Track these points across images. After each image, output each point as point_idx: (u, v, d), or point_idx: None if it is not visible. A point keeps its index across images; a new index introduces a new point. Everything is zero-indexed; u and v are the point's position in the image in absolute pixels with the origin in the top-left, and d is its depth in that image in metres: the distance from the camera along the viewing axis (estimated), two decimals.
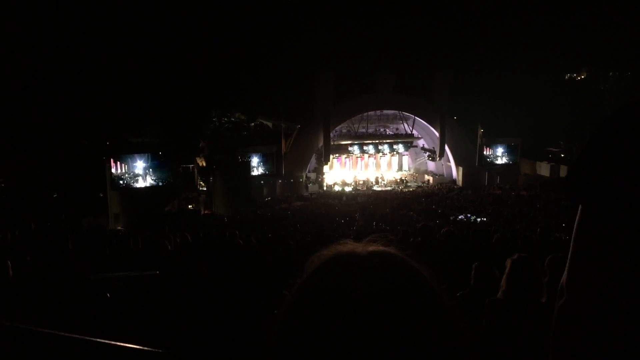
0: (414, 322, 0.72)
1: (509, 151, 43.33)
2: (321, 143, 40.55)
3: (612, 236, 1.09)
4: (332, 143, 40.98)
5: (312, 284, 0.79)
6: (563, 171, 41.81)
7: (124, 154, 31.10)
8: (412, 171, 46.36)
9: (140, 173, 31.09)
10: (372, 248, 0.82)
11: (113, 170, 30.37)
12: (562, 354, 1.18)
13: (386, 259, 0.80)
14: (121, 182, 30.57)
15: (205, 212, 33.35)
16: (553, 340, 1.20)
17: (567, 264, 1.20)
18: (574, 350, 1.15)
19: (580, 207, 1.17)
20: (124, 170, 30.73)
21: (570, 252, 1.19)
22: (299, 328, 0.74)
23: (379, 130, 44.34)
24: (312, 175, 41.94)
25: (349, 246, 0.84)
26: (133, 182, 30.88)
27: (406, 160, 46.29)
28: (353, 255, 0.80)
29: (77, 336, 2.39)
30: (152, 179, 31.43)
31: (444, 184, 42.66)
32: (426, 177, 45.39)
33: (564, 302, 1.18)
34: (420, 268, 0.80)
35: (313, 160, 41.84)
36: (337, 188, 41.57)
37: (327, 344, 0.70)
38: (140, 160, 31.06)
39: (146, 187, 30.99)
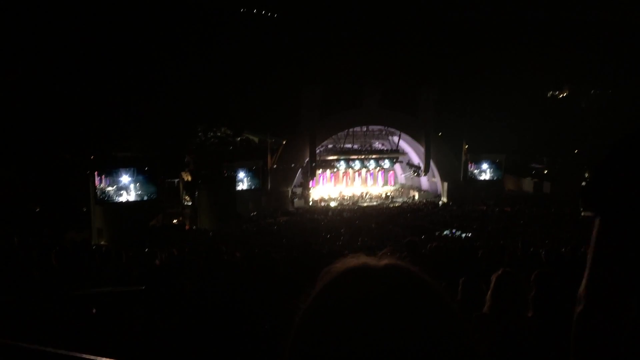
0: (429, 335, 0.72)
1: (494, 167, 43.69)
2: (307, 158, 40.61)
3: (629, 247, 1.14)
4: (318, 158, 41.06)
5: (327, 296, 0.79)
6: (546, 187, 42.30)
7: (109, 168, 30.82)
8: (397, 187, 46.55)
9: (124, 187, 30.82)
10: (386, 261, 0.83)
11: (97, 184, 30.05)
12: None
13: (401, 272, 0.80)
14: (105, 196, 30.25)
15: (188, 227, 33.11)
16: (573, 347, 1.25)
17: (586, 274, 1.24)
18: (593, 356, 1.19)
19: (597, 219, 1.22)
20: (108, 185, 30.43)
21: (588, 263, 1.24)
22: (314, 340, 0.74)
23: (365, 145, 44.56)
24: (298, 190, 41.92)
25: (363, 259, 0.84)
26: (117, 197, 30.58)
27: (392, 175, 46.50)
28: (368, 268, 0.81)
29: (62, 352, 2.36)
30: (137, 194, 31.15)
31: (429, 200, 42.88)
32: (412, 192, 45.58)
33: (582, 310, 1.23)
34: (433, 282, 0.81)
35: (299, 175, 41.86)
36: (322, 203, 41.57)
37: (343, 356, 0.70)
38: (125, 174, 30.80)
39: (130, 202, 30.70)
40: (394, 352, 0.69)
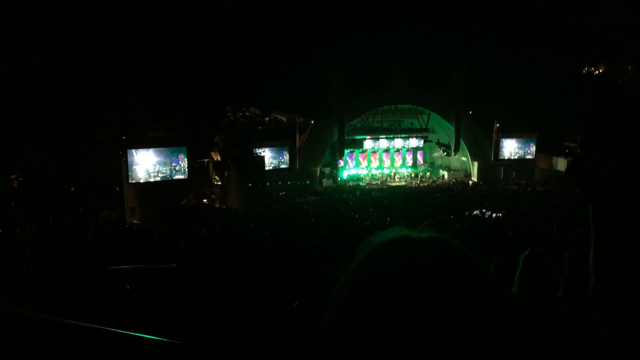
0: (473, 309, 0.71)
1: (525, 146, 42.93)
2: (335, 137, 40.53)
3: (623, 227, 1.10)
4: (346, 138, 40.94)
5: (368, 267, 0.78)
6: None
7: (140, 148, 31.32)
8: (427, 166, 46.19)
9: (155, 167, 31.30)
10: (427, 234, 0.81)
11: (131, 161, 30.58)
12: (609, 328, 1.20)
13: (443, 245, 0.79)
14: (137, 176, 30.79)
15: (218, 205, 33.51)
16: (598, 319, 1.22)
17: (592, 246, 1.21)
18: (617, 323, 1.17)
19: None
20: (139, 164, 30.94)
21: (592, 234, 1.21)
22: (354, 311, 0.73)
23: (394, 124, 44.20)
24: (327, 170, 41.94)
25: (403, 232, 0.83)
26: (148, 176, 31.09)
27: (421, 154, 46.10)
28: (410, 240, 0.80)
29: (96, 326, 2.43)
30: (167, 173, 31.61)
31: (459, 179, 42.45)
32: (441, 171, 45.19)
33: (594, 282, 1.21)
34: (476, 256, 0.79)
35: (327, 155, 41.84)
36: (351, 183, 41.56)
37: (384, 330, 0.69)
38: (155, 154, 31.26)
39: (161, 181, 31.21)
40: (435, 325, 0.68)
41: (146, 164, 31.02)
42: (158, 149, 31.41)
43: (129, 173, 30.52)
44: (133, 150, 30.89)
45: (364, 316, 0.72)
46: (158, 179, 31.26)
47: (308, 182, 39.25)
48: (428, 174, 44.66)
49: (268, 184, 35.23)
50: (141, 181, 30.75)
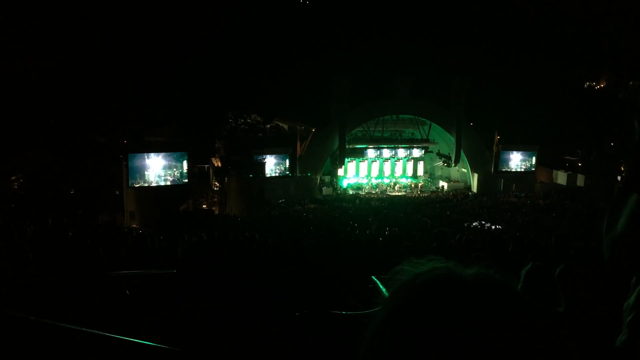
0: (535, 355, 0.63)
1: (526, 158, 42.96)
2: (336, 146, 40.52)
3: None
4: (347, 146, 40.92)
5: (410, 311, 0.68)
6: (580, 180, 41.38)
7: (141, 152, 31.27)
8: (427, 176, 46.15)
9: (156, 172, 31.25)
10: (475, 271, 0.73)
11: (142, 165, 30.57)
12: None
13: (496, 286, 0.71)
14: (137, 180, 30.72)
15: (217, 211, 33.45)
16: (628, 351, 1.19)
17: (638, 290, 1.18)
18: None
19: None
20: (151, 168, 30.92)
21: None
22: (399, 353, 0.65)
23: (395, 134, 44.22)
24: (327, 178, 41.90)
25: (445, 266, 0.75)
26: (149, 181, 31.02)
27: (421, 165, 46.05)
28: (456, 280, 0.71)
29: (96, 332, 2.43)
30: (168, 178, 31.58)
31: (459, 190, 42.41)
32: (441, 182, 45.14)
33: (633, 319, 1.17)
34: (531, 299, 0.71)
35: (328, 163, 41.82)
36: (351, 192, 41.51)
37: None
38: (156, 159, 31.23)
39: (161, 186, 31.14)
40: None
41: (157, 167, 31.05)
42: (159, 153, 31.39)
43: (129, 177, 30.45)
44: (145, 154, 30.92)
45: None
46: (168, 182, 31.23)
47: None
48: (423, 183, 44.55)
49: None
50: (141, 185, 30.69)
